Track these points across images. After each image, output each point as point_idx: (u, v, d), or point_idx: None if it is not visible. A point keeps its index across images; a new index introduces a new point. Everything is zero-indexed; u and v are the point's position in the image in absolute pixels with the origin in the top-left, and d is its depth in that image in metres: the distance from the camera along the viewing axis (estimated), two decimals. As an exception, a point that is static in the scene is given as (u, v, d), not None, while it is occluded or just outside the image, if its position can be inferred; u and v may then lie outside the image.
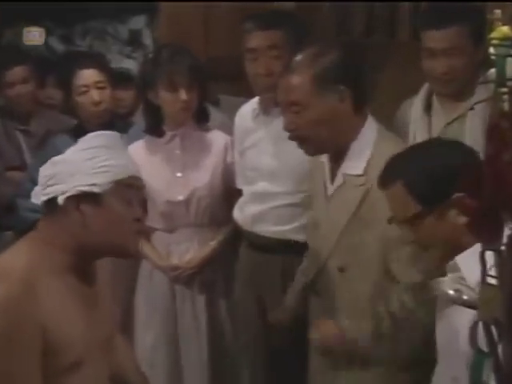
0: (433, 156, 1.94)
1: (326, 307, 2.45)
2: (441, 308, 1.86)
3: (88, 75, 3.43)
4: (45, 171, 1.87)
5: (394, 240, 2.19)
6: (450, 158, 1.88)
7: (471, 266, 1.77)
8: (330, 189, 2.41)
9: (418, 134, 2.73)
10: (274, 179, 2.87)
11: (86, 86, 3.42)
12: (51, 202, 1.85)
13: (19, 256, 1.84)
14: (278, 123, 2.86)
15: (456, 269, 1.84)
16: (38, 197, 1.88)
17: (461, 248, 1.81)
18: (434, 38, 2.63)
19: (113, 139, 1.93)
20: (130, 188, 1.90)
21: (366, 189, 2.30)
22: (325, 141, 2.35)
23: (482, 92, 2.63)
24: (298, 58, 2.35)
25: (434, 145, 2.09)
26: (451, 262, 1.87)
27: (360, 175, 2.32)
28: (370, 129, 2.37)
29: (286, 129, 2.40)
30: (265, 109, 2.92)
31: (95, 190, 1.83)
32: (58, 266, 1.84)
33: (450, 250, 1.85)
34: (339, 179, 2.38)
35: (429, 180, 1.87)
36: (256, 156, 2.93)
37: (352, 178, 2.34)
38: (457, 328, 1.73)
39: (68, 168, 1.84)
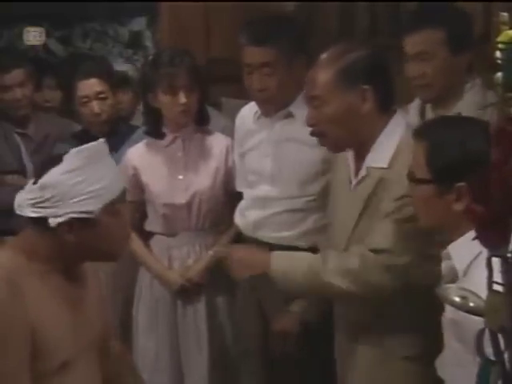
0: (462, 135, 1.90)
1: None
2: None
3: (88, 86, 3.35)
4: (31, 194, 1.84)
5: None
6: (475, 144, 1.83)
7: (462, 254, 1.79)
8: (354, 182, 2.38)
9: None
10: (276, 183, 2.83)
11: (86, 96, 3.35)
12: (39, 218, 1.84)
13: (3, 259, 1.85)
14: (279, 126, 2.84)
15: (448, 257, 1.85)
16: (24, 210, 1.86)
17: (455, 235, 1.83)
18: (407, 43, 2.63)
19: (97, 151, 1.89)
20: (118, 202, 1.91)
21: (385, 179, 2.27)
22: (343, 138, 2.33)
23: (469, 97, 2.64)
24: (326, 53, 2.34)
25: (469, 123, 2.02)
26: (445, 251, 1.87)
27: (384, 168, 2.29)
28: (397, 124, 2.34)
29: (307, 123, 2.38)
30: (266, 112, 2.89)
31: (88, 216, 1.83)
32: (42, 268, 1.85)
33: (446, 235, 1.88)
34: (363, 172, 2.35)
35: (445, 156, 1.87)
36: (257, 159, 2.89)
37: (376, 171, 2.31)
38: None
39: (58, 193, 1.81)
